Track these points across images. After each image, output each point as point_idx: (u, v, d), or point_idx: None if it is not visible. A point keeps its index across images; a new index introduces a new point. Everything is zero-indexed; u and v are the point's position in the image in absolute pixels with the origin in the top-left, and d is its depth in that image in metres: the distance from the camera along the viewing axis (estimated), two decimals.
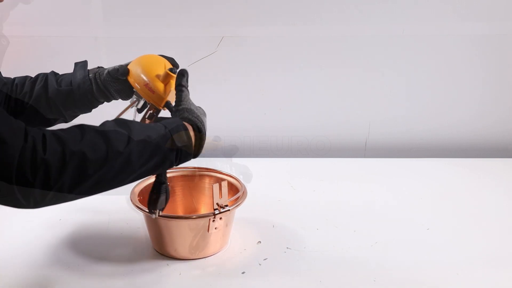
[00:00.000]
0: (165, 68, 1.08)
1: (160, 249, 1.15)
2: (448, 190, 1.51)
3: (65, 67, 1.72)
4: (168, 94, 1.07)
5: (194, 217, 1.14)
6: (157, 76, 1.06)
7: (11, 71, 1.72)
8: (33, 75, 1.13)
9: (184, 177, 1.30)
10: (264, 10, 1.67)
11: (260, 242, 1.21)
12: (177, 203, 1.29)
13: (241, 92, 1.77)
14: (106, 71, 1.09)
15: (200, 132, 0.95)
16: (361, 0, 1.65)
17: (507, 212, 1.37)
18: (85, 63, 1.12)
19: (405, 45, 1.71)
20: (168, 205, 1.07)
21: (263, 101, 1.78)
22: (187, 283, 1.05)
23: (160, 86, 1.07)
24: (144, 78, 1.06)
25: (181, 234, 1.11)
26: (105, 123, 0.89)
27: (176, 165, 0.93)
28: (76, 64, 1.12)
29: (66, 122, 1.13)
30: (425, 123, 1.82)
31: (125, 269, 1.09)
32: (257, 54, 1.72)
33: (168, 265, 1.11)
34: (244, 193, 1.17)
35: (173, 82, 1.06)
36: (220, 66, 1.73)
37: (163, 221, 1.10)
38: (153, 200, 1.04)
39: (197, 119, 0.96)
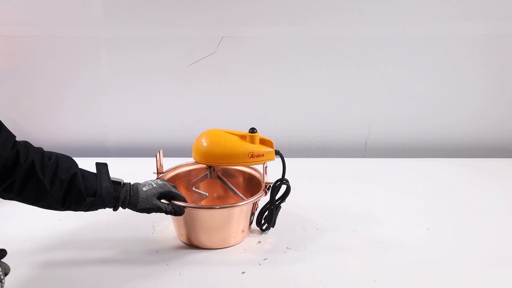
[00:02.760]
0: (234, 136, 1.16)
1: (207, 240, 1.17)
2: (448, 190, 1.51)
3: (65, 67, 1.73)
4: (271, 142, 1.16)
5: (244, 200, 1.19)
6: (243, 140, 1.15)
7: (11, 71, 1.73)
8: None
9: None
10: (264, 10, 1.67)
11: (260, 242, 1.21)
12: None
13: (241, 92, 1.77)
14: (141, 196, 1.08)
15: None
16: (361, 0, 1.66)
17: (507, 212, 1.37)
18: (106, 170, 1.07)
19: (405, 45, 1.71)
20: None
21: (263, 101, 1.78)
22: (187, 283, 1.05)
23: (260, 147, 1.16)
24: (243, 154, 1.14)
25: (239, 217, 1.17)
26: None
27: None
28: (100, 171, 1.06)
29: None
30: (425, 123, 1.82)
31: (125, 269, 1.09)
32: (257, 54, 1.72)
33: (168, 265, 1.11)
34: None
35: (257, 135, 1.15)
36: (220, 66, 1.73)
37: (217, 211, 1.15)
38: (274, 219, 1.21)
39: None
